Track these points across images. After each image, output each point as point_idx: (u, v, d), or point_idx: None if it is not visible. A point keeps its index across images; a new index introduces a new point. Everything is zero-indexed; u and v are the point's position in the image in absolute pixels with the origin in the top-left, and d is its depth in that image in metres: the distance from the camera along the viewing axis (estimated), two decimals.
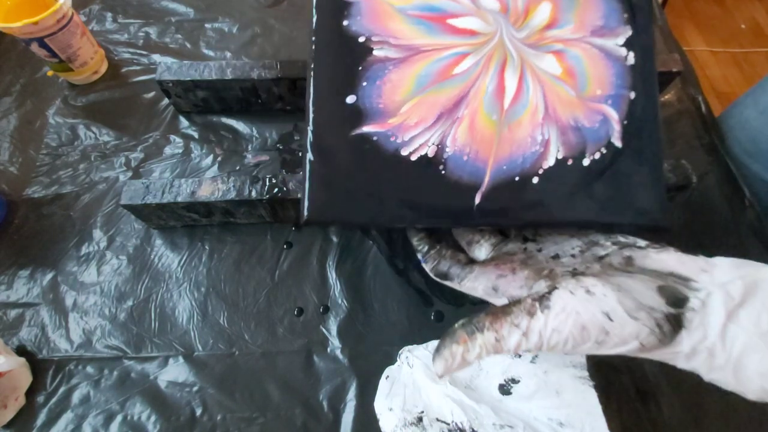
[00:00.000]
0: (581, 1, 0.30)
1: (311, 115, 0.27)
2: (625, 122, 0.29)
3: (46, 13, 0.42)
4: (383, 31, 0.28)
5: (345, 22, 0.28)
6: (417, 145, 0.27)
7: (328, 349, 0.37)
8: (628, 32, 0.30)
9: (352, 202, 0.27)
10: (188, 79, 0.43)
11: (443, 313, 0.38)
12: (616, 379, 0.35)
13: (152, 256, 0.41)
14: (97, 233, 0.42)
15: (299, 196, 0.37)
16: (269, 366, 0.36)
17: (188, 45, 0.54)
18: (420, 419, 0.30)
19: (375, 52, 0.27)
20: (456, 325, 0.24)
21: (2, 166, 0.46)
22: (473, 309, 0.38)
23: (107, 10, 0.57)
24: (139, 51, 0.53)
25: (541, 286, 0.25)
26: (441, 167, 0.27)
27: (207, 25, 0.55)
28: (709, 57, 1.48)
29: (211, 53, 0.53)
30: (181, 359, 0.36)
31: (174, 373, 0.36)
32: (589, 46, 0.29)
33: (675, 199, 0.41)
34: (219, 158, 0.46)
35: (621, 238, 0.27)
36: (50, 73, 0.51)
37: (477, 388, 0.31)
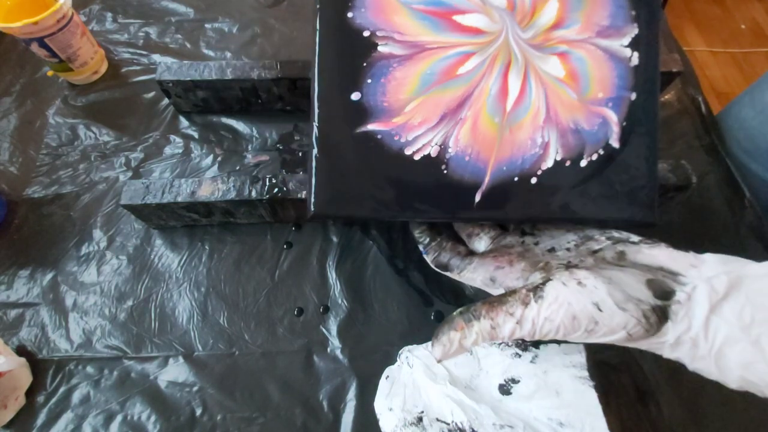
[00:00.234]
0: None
1: (316, 111, 0.27)
2: (624, 123, 0.29)
3: (46, 13, 0.42)
4: (388, 26, 0.27)
5: (350, 14, 0.27)
6: (420, 144, 0.27)
7: (328, 349, 0.37)
8: (635, 31, 0.30)
9: (357, 197, 0.27)
10: (188, 79, 0.43)
11: (443, 313, 0.38)
12: (616, 379, 0.35)
13: (152, 256, 0.41)
14: (97, 233, 0.42)
15: (299, 195, 0.37)
16: (269, 366, 0.36)
17: (188, 45, 0.54)
18: (420, 419, 0.30)
19: (380, 48, 0.27)
20: (454, 313, 0.25)
21: (2, 166, 0.46)
22: None
23: (107, 10, 0.57)
24: (139, 51, 0.53)
25: (536, 277, 0.26)
26: (443, 167, 0.27)
27: (207, 25, 0.55)
28: (709, 57, 1.48)
29: (211, 53, 0.53)
30: (181, 359, 0.36)
31: (174, 373, 0.36)
32: (594, 47, 0.29)
33: (675, 199, 0.41)
34: (219, 158, 0.46)
35: (615, 234, 0.28)
36: (50, 73, 0.51)
37: (477, 388, 0.31)
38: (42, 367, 0.36)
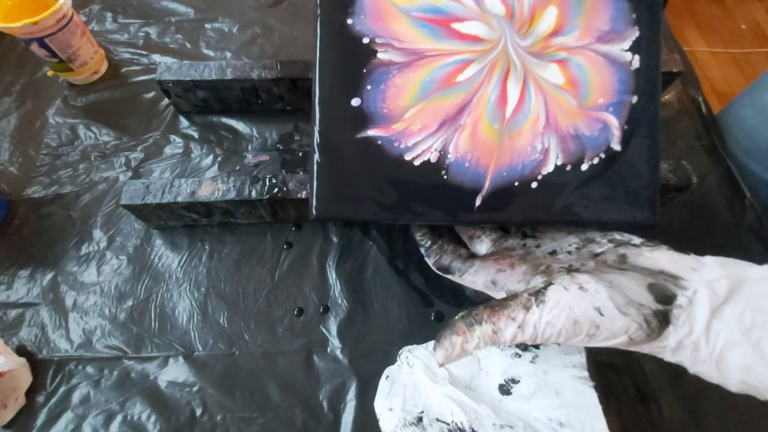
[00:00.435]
0: (589, 3, 0.30)
1: (317, 116, 0.27)
2: (625, 127, 0.29)
3: (46, 13, 0.42)
4: (387, 33, 0.27)
5: (349, 21, 0.27)
6: (420, 150, 0.28)
7: (328, 349, 0.37)
8: (635, 34, 0.30)
9: (358, 201, 0.27)
10: (188, 79, 0.43)
11: (443, 314, 0.38)
12: (617, 379, 0.35)
13: (152, 256, 0.41)
14: (97, 233, 0.42)
15: (300, 195, 0.37)
16: (269, 366, 0.36)
17: (188, 45, 0.54)
18: (420, 419, 0.30)
19: (379, 55, 0.27)
20: (456, 317, 0.25)
21: (2, 166, 0.46)
22: None
23: (107, 10, 0.57)
24: (139, 51, 0.53)
25: (538, 281, 0.26)
26: (443, 172, 0.28)
27: (207, 25, 0.55)
28: (710, 57, 1.48)
29: (211, 53, 0.53)
30: (181, 359, 0.36)
31: (174, 373, 0.36)
32: (593, 53, 0.29)
33: (675, 199, 0.41)
34: (219, 158, 0.46)
35: (617, 236, 0.28)
36: (50, 73, 0.51)
37: (477, 388, 0.31)
38: (42, 367, 0.36)
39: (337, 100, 0.27)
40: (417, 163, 0.27)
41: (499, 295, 0.28)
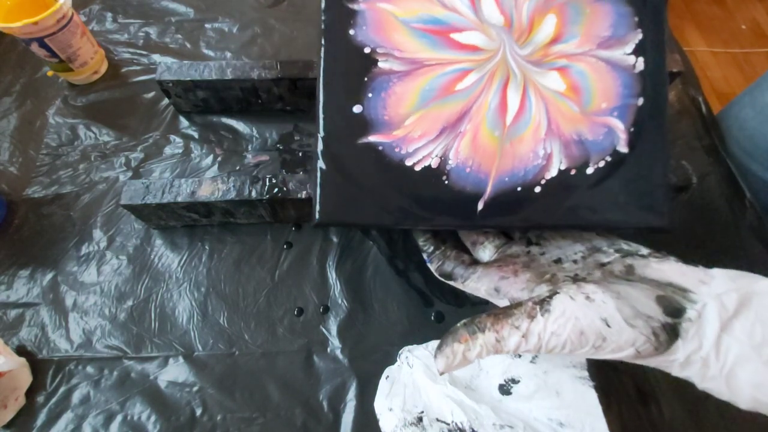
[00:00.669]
0: (588, 11, 0.30)
1: (321, 123, 0.28)
2: (632, 129, 0.29)
3: (46, 13, 0.42)
4: (388, 43, 0.28)
5: (351, 32, 0.28)
6: (421, 156, 0.28)
7: (328, 349, 0.37)
8: (638, 37, 0.29)
9: (360, 206, 0.28)
10: (188, 79, 0.43)
11: (443, 314, 0.38)
12: (617, 379, 0.35)
13: (152, 256, 0.41)
14: (97, 233, 0.42)
15: (300, 195, 0.37)
16: (269, 366, 0.36)
17: (188, 45, 0.54)
18: (420, 419, 0.30)
19: (380, 64, 0.28)
20: (458, 324, 0.25)
21: (2, 166, 0.46)
22: (474, 309, 0.38)
23: (107, 10, 0.57)
24: (139, 51, 0.53)
25: (543, 289, 0.26)
26: (444, 177, 0.28)
27: (207, 25, 0.55)
28: (710, 57, 1.48)
29: (211, 53, 0.53)
30: (181, 359, 0.36)
31: (174, 373, 0.36)
32: (594, 59, 0.29)
33: (675, 199, 0.41)
34: (219, 158, 0.46)
35: (624, 246, 0.28)
36: (50, 73, 0.51)
37: (477, 388, 0.31)
38: (42, 367, 0.36)
39: (339, 107, 0.28)
40: (418, 168, 0.28)
41: (501, 302, 0.28)
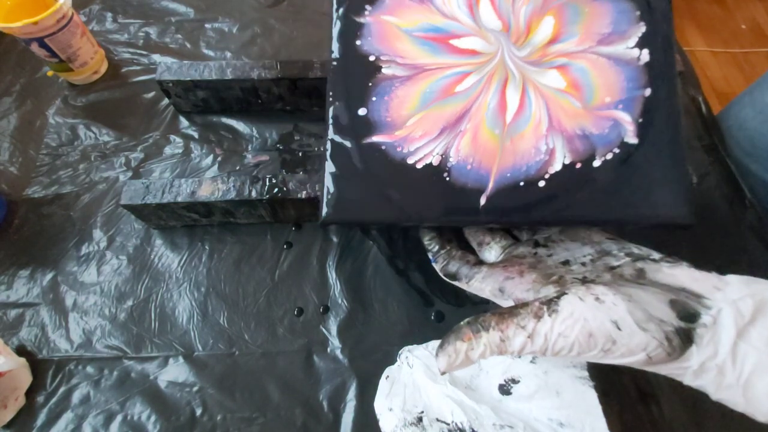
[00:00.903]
0: (587, 10, 0.30)
1: (330, 124, 0.30)
2: (640, 120, 0.28)
3: (46, 13, 0.42)
4: (391, 51, 0.30)
5: (358, 42, 0.30)
6: (422, 155, 0.28)
7: (328, 349, 0.37)
8: (641, 30, 0.29)
9: (365, 203, 0.28)
10: (188, 79, 0.43)
11: (443, 313, 0.38)
12: (617, 379, 0.35)
13: (152, 256, 0.41)
14: (97, 233, 0.42)
15: (300, 195, 0.37)
16: (269, 366, 0.36)
17: (188, 45, 0.54)
18: (420, 419, 0.30)
19: (383, 70, 0.30)
20: (462, 322, 0.24)
21: (2, 166, 0.46)
22: (474, 309, 0.38)
23: (107, 10, 0.57)
24: (139, 51, 0.53)
25: (550, 290, 0.25)
26: (445, 174, 0.28)
27: (207, 25, 0.55)
28: (710, 57, 1.48)
29: (211, 53, 0.53)
30: (181, 359, 0.36)
31: (174, 373, 0.36)
32: (595, 56, 0.29)
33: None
34: (219, 158, 0.46)
35: (635, 250, 0.27)
36: (50, 73, 0.51)
37: (477, 388, 0.31)
38: (42, 367, 0.36)
39: (346, 110, 0.30)
40: (419, 166, 0.28)
41: (506, 303, 0.27)
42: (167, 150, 0.46)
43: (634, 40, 0.29)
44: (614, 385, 0.35)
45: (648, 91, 0.28)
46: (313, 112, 0.48)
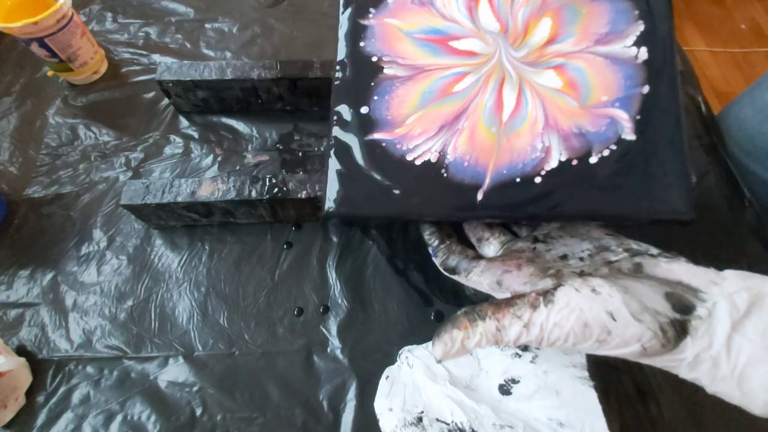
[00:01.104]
0: (585, 10, 0.30)
1: (333, 122, 0.31)
2: (638, 117, 0.28)
3: (46, 13, 0.42)
4: (393, 52, 0.31)
5: (362, 44, 0.32)
6: (421, 151, 0.29)
7: (328, 349, 0.37)
8: (640, 28, 0.29)
9: (366, 198, 0.29)
10: (188, 79, 0.43)
11: (443, 313, 0.38)
12: (616, 379, 0.35)
13: (152, 256, 0.41)
14: (97, 233, 0.42)
15: (300, 195, 0.37)
16: (269, 366, 0.36)
17: (188, 45, 0.54)
18: (420, 419, 0.30)
19: (385, 71, 0.31)
20: (459, 312, 0.24)
21: (2, 166, 0.46)
22: None
23: (107, 10, 0.57)
24: (139, 51, 0.53)
25: (547, 283, 0.25)
26: (443, 171, 0.29)
27: (207, 25, 0.55)
28: (709, 57, 1.48)
29: (211, 53, 0.53)
30: (181, 359, 0.36)
31: (174, 373, 0.36)
32: (592, 56, 0.29)
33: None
34: (219, 158, 0.46)
35: (633, 245, 0.27)
36: (50, 73, 0.51)
37: (477, 388, 0.31)
38: (42, 367, 0.36)
39: (349, 109, 0.31)
40: (418, 162, 0.29)
41: (504, 296, 0.28)
42: (167, 150, 0.46)
43: (632, 39, 0.29)
44: (614, 384, 0.35)
45: (646, 89, 0.29)
46: (313, 112, 0.48)
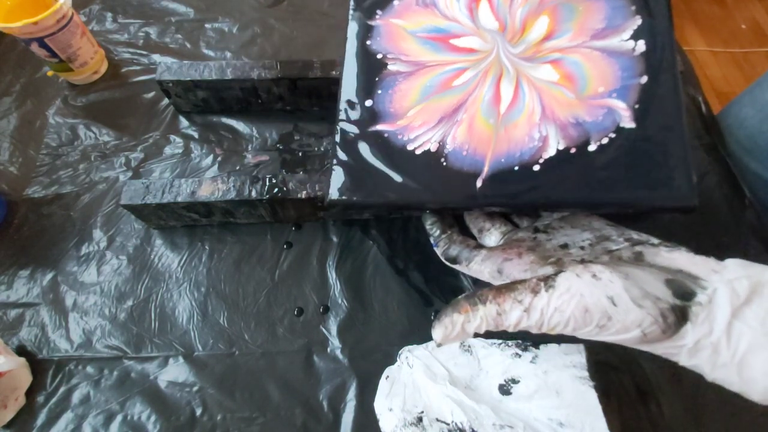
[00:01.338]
0: (581, 8, 0.31)
1: (340, 113, 0.32)
2: (637, 106, 0.28)
3: (46, 13, 0.42)
4: (397, 50, 0.33)
5: (368, 42, 0.34)
6: (421, 141, 0.30)
7: (328, 349, 0.37)
8: (636, 23, 0.30)
9: (368, 185, 0.30)
10: (188, 79, 0.43)
11: None
12: (616, 379, 0.35)
13: (152, 256, 0.41)
14: (97, 233, 0.42)
15: (300, 195, 0.37)
16: (269, 366, 0.36)
17: (188, 45, 0.54)
18: (420, 419, 0.30)
19: (389, 67, 0.33)
20: (459, 297, 0.24)
21: (2, 166, 0.46)
22: None
23: (107, 10, 0.57)
24: (139, 51, 0.53)
25: (548, 270, 0.25)
26: (442, 159, 0.30)
27: (207, 25, 0.55)
28: (710, 57, 1.48)
29: (211, 53, 0.53)
30: (181, 359, 0.36)
31: (174, 373, 0.36)
32: (589, 50, 0.30)
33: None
34: (219, 158, 0.46)
35: (634, 235, 0.27)
36: (50, 73, 0.51)
37: (477, 388, 0.31)
38: (42, 367, 0.36)
39: (355, 102, 0.33)
40: (418, 152, 0.30)
41: None
42: (167, 150, 0.46)
43: (629, 33, 0.30)
44: (614, 384, 0.35)
45: (644, 79, 0.29)
46: (313, 112, 0.48)
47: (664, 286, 0.22)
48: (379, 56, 0.33)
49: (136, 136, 0.47)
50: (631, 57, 0.29)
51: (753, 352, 0.20)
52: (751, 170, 0.46)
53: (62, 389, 0.35)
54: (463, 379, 0.32)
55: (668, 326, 0.21)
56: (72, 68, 0.48)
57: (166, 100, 0.49)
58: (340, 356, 0.37)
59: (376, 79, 0.33)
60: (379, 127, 0.31)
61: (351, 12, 0.35)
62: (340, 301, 0.39)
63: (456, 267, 0.31)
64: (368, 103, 0.32)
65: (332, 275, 0.40)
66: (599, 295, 0.22)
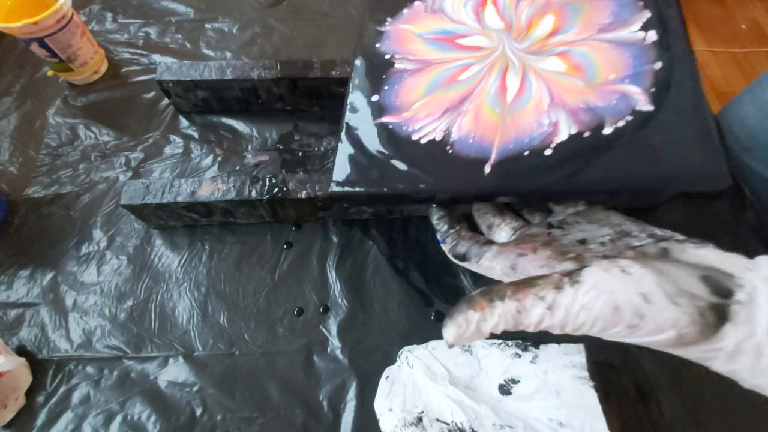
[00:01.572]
0: (587, 6, 0.31)
1: (346, 110, 0.33)
2: (653, 90, 0.27)
3: (46, 13, 0.42)
4: (404, 51, 0.35)
5: (378, 45, 0.36)
6: (426, 132, 0.30)
7: (328, 349, 0.37)
8: (645, 16, 0.29)
9: (371, 175, 0.30)
10: (188, 79, 0.43)
11: (443, 313, 0.38)
12: (616, 379, 0.35)
13: (152, 256, 0.41)
14: (97, 233, 0.42)
15: (300, 195, 0.37)
16: (269, 366, 0.36)
17: (188, 45, 0.54)
18: (420, 419, 0.30)
19: (396, 65, 0.34)
20: (475, 291, 0.22)
21: (2, 166, 0.46)
22: None
23: (107, 10, 0.57)
24: (139, 51, 0.53)
25: (567, 266, 0.23)
26: (448, 148, 0.29)
27: (207, 25, 0.55)
28: (710, 57, 1.48)
29: (211, 53, 0.53)
30: (181, 359, 0.36)
31: (174, 373, 0.36)
32: (597, 42, 0.29)
33: (675, 198, 0.41)
34: (219, 158, 0.46)
35: (657, 231, 0.25)
36: (50, 73, 0.51)
37: (477, 388, 0.31)
38: (42, 367, 0.36)
39: (363, 97, 0.33)
40: (423, 141, 0.30)
41: None
42: (167, 150, 0.46)
43: (638, 25, 0.29)
44: (614, 384, 0.35)
45: (659, 65, 0.27)
46: (313, 112, 0.48)
47: (701, 283, 0.20)
48: (388, 56, 0.34)
49: (136, 136, 0.47)
50: (642, 46, 0.28)
51: None
52: (751, 168, 0.46)
53: (62, 389, 0.35)
54: (463, 379, 0.32)
55: (707, 327, 0.19)
56: (72, 68, 0.48)
57: (166, 100, 0.49)
58: (340, 356, 0.37)
59: (384, 76, 0.33)
60: (384, 119, 0.32)
61: (363, 16, 0.37)
62: (340, 301, 0.39)
63: (464, 264, 0.29)
64: (375, 98, 0.33)
65: (332, 275, 0.40)
66: (630, 291, 0.20)
